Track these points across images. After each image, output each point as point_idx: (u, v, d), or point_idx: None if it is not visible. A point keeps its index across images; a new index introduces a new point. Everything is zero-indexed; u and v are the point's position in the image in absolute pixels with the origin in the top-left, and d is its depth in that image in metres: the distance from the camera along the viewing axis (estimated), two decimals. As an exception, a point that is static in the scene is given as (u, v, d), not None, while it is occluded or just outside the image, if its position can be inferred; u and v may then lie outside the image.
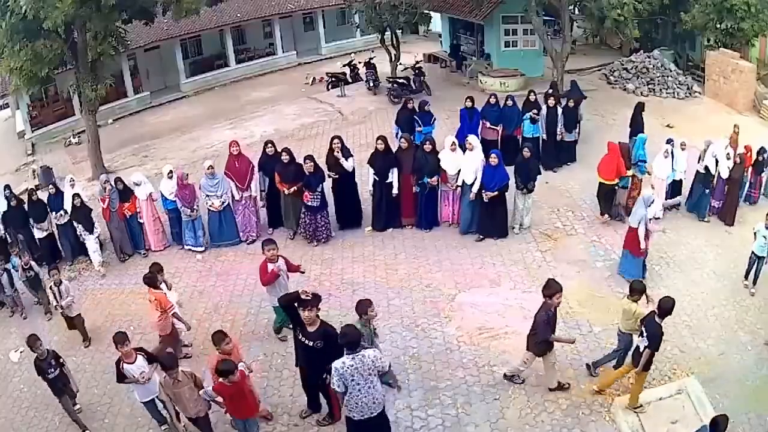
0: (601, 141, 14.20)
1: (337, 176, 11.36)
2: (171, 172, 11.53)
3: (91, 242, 11.44)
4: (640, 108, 13.77)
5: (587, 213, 12.13)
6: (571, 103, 13.73)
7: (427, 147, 11.24)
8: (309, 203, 11.18)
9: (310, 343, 6.75)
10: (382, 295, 10.01)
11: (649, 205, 9.45)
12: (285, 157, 11.14)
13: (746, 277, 9.81)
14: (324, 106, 20.70)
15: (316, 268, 10.89)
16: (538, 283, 9.94)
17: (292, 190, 11.15)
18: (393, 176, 11.30)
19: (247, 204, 11.73)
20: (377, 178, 11.40)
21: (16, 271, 10.27)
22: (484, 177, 10.93)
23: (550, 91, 14.71)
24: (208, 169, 11.40)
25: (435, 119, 14.09)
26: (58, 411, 8.08)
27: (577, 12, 21.11)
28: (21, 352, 9.34)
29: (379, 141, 11.36)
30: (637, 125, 13.41)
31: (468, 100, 13.71)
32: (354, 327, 6.26)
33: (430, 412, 7.67)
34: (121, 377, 7.11)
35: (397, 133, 13.86)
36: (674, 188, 11.97)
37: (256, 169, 11.65)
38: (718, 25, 19.08)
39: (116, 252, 11.81)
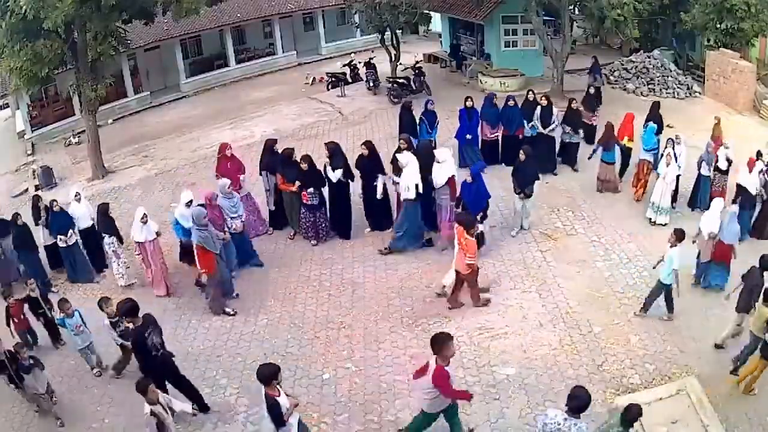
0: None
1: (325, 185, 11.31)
2: (191, 201, 10.22)
3: (121, 259, 10.74)
4: (657, 106, 13.62)
5: (587, 213, 12.13)
6: (575, 105, 13.57)
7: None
8: (307, 202, 11.19)
9: None
10: (382, 295, 10.01)
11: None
12: (290, 157, 11.19)
13: (644, 309, 9.05)
14: (324, 106, 20.70)
15: (317, 268, 10.90)
16: (538, 283, 10.00)
17: (294, 188, 11.17)
18: (379, 183, 11.21)
19: (245, 204, 11.75)
20: (363, 182, 11.42)
21: (73, 332, 8.40)
22: (464, 197, 10.48)
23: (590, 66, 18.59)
24: (227, 188, 10.64)
25: (438, 121, 14.06)
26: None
27: (577, 12, 21.11)
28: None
29: (363, 146, 11.36)
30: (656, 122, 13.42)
31: (468, 99, 13.69)
32: (585, 391, 5.71)
33: (430, 412, 7.67)
34: (280, 415, 6.12)
35: None
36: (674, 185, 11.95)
37: (246, 172, 11.79)
38: (718, 25, 19.08)
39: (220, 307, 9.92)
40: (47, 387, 7.90)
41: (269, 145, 12.00)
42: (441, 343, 6.29)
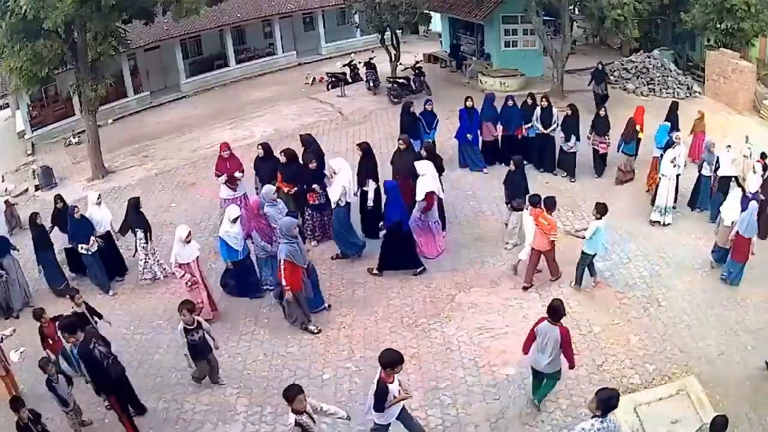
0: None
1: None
2: (237, 218, 9.50)
3: (155, 255, 10.75)
4: (675, 106, 13.80)
5: (587, 213, 12.09)
6: (569, 111, 13.19)
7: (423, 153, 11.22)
8: (314, 203, 11.13)
9: None
10: (382, 295, 10.01)
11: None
12: (283, 159, 11.14)
13: (578, 283, 9.71)
14: (324, 106, 20.70)
15: (317, 268, 10.86)
16: (537, 283, 9.99)
17: (293, 190, 11.14)
18: (369, 189, 10.97)
19: (241, 204, 11.64)
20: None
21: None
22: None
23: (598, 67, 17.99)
24: (274, 192, 10.19)
25: (438, 121, 14.02)
26: (58, 411, 8.06)
27: (577, 12, 21.12)
28: (21, 352, 9.32)
29: (358, 147, 11.19)
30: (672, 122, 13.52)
31: (468, 99, 13.68)
32: (611, 389, 5.87)
33: (430, 412, 7.68)
34: (383, 401, 6.29)
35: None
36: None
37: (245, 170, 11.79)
38: (718, 25, 19.08)
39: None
40: (74, 404, 7.63)
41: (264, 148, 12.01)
42: (559, 310, 7.12)
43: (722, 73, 19.01)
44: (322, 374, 8.40)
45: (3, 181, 15.08)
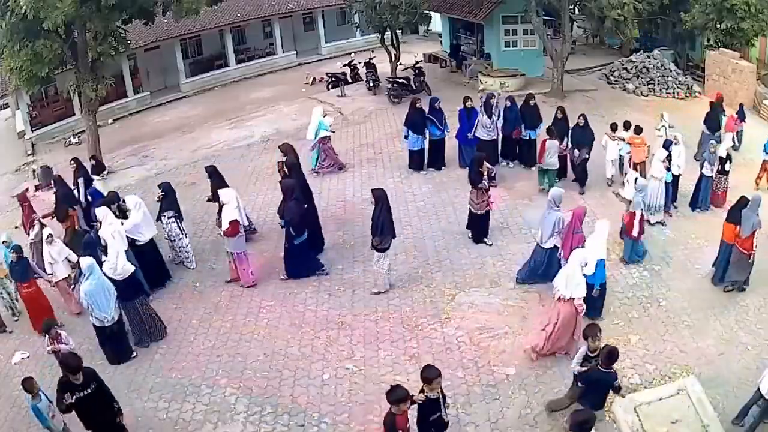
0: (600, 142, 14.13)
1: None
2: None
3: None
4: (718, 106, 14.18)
5: (587, 213, 12.09)
6: (560, 114, 12.86)
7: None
8: None
9: None
10: (382, 295, 10.01)
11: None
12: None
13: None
14: (324, 106, 20.67)
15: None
16: (538, 283, 9.98)
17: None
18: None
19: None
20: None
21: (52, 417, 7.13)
22: None
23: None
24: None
25: (444, 116, 13.87)
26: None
27: (577, 12, 21.13)
28: (26, 357, 9.34)
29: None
30: (713, 122, 13.80)
31: (467, 100, 13.69)
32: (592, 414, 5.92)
33: (430, 412, 7.67)
34: None
35: (406, 135, 13.85)
36: (674, 185, 11.96)
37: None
38: (718, 25, 19.12)
39: None
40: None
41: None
42: (553, 130, 11.73)
43: (722, 73, 19.03)
44: (322, 374, 8.39)
45: None
